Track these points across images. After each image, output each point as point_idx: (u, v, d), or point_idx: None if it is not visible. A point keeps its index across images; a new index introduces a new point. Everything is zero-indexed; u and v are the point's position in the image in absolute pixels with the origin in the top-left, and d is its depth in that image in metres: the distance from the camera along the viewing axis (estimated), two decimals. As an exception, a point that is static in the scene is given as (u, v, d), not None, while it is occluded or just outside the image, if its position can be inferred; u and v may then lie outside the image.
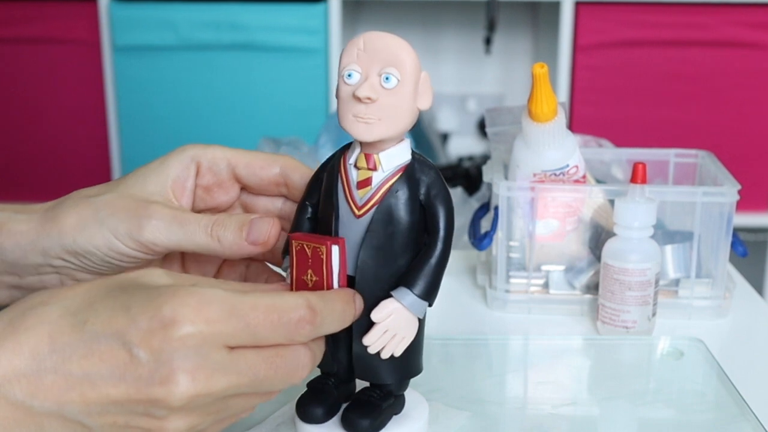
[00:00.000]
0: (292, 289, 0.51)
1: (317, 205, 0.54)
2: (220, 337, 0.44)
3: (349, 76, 0.50)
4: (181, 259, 0.60)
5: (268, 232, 0.53)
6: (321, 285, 0.50)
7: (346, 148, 0.53)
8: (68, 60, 1.92)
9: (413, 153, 0.52)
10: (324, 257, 0.50)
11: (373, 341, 0.51)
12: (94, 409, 0.43)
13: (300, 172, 0.58)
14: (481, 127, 2.18)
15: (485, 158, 1.07)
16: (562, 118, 0.76)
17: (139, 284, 0.46)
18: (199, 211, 0.59)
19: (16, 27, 1.90)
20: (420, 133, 1.82)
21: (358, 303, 0.51)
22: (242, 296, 0.45)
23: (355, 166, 0.51)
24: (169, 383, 0.43)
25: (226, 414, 0.46)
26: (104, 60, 1.90)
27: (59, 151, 1.97)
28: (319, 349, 0.49)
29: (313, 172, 0.55)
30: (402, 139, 0.52)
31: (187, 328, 0.43)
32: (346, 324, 0.50)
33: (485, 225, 0.82)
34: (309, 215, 0.54)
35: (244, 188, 0.59)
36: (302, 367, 0.47)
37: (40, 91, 1.94)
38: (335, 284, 0.50)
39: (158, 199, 0.55)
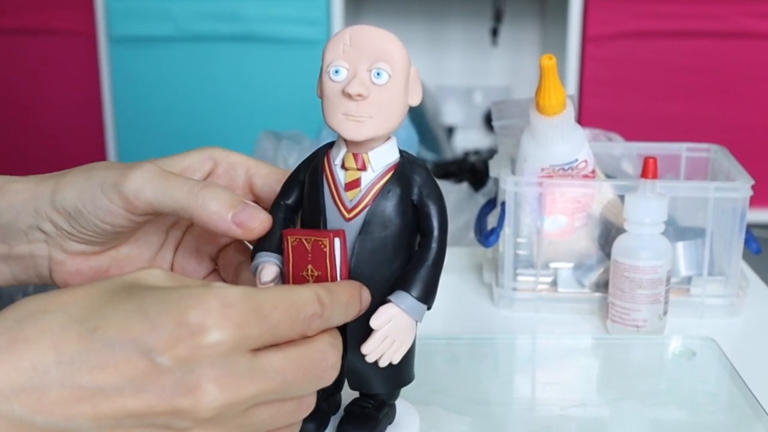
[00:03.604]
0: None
1: (292, 207, 0.52)
2: (248, 341, 0.42)
3: (336, 72, 0.48)
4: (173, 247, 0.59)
5: (260, 221, 0.51)
6: (324, 279, 0.49)
7: (329, 147, 0.51)
8: (63, 51, 1.92)
9: (401, 151, 0.51)
10: (327, 250, 0.49)
11: (372, 349, 0.49)
12: (106, 422, 0.41)
13: None
14: (488, 120, 2.17)
15: (492, 152, 1.07)
16: (570, 112, 0.76)
17: (143, 286, 0.44)
18: None
19: (9, 17, 1.90)
20: (425, 126, 1.81)
21: (365, 296, 0.50)
22: (260, 294, 0.44)
23: (343, 166, 0.50)
24: (196, 392, 0.41)
25: (251, 429, 0.44)
26: (100, 51, 1.90)
27: (55, 144, 1.98)
28: (341, 345, 0.48)
29: None
30: (389, 137, 0.50)
31: (216, 334, 0.41)
32: (350, 318, 0.49)
33: (492, 221, 0.82)
34: (283, 215, 0.52)
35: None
36: (331, 366, 0.46)
37: (35, 83, 1.94)
38: (338, 277, 0.50)
39: None
